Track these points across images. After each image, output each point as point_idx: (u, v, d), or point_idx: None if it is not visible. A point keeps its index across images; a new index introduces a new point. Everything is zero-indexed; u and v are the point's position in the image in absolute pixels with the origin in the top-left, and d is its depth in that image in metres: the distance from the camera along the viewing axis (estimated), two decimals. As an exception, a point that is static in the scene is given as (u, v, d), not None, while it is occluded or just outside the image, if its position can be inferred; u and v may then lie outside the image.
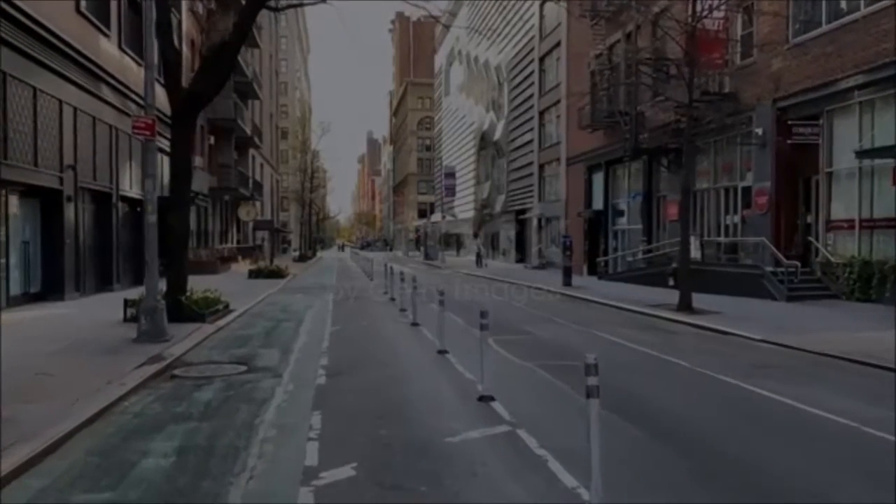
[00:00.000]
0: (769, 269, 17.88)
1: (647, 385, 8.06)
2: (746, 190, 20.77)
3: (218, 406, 6.84)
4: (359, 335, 12.19)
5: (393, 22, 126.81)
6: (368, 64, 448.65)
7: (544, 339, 11.85)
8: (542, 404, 7.19)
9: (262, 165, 55.48)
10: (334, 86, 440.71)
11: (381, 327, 13.38)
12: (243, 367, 8.94)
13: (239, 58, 38.91)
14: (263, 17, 56.57)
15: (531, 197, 43.20)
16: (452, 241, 68.98)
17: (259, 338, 11.80)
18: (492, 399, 6.93)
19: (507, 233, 50.72)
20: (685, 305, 15.79)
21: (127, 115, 22.63)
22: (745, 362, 9.62)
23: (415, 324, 13.37)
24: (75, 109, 18.12)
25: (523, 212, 45.34)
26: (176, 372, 8.67)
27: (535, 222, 42.44)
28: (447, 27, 47.12)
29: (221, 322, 13.37)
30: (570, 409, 6.96)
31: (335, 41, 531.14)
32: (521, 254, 46.37)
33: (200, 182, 33.74)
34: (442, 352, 9.95)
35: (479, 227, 60.18)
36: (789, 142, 17.95)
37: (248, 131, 42.00)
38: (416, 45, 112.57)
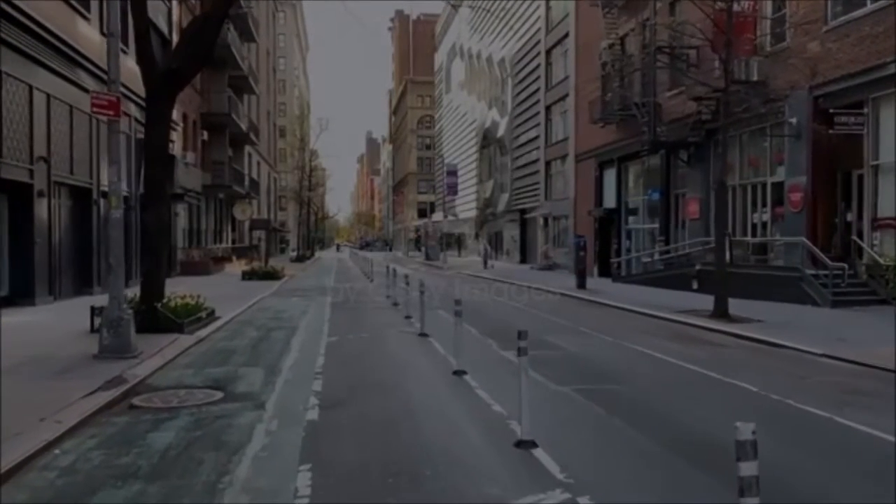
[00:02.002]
0: (810, 271, 16.28)
1: (722, 421, 6.43)
2: (777, 186, 19.19)
3: (177, 455, 5.24)
4: (359, 349, 10.59)
5: (392, 20, 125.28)
6: (367, 65, 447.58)
7: (574, 354, 10.25)
8: (597, 451, 5.60)
9: (258, 163, 53.87)
10: (333, 87, 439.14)
11: (384, 339, 11.76)
12: (219, 394, 7.33)
13: (234, 50, 37.48)
14: (261, 11, 54.98)
15: (537, 195, 41.60)
16: (453, 242, 67.34)
17: (243, 352, 10.18)
18: (533, 445, 5.35)
19: (511, 233, 49.11)
20: (721, 312, 14.23)
21: (109, 105, 21.13)
22: (823, 385, 8.04)
23: (423, 334, 11.79)
24: (48, 96, 16.53)
25: (528, 211, 43.74)
26: (135, 401, 7.08)
27: (540, 221, 40.86)
28: (455, 6, 45.45)
29: (203, 332, 11.77)
30: (638, 459, 5.36)
31: (334, 42, 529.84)
32: (525, 254, 44.79)
33: (193, 179, 32.19)
34: (459, 372, 8.35)
35: (481, 226, 58.61)
36: (831, 132, 16.35)
37: (244, 127, 40.37)
38: (415, 43, 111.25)
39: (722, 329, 12.78)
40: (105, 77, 19.27)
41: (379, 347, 10.79)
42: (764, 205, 19.94)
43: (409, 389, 7.69)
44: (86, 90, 18.73)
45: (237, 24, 39.93)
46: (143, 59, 11.11)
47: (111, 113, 8.83)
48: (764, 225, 20.04)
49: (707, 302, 16.22)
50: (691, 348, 10.83)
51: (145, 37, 10.97)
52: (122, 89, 20.70)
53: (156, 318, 11.26)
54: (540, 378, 8.14)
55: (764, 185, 19.89)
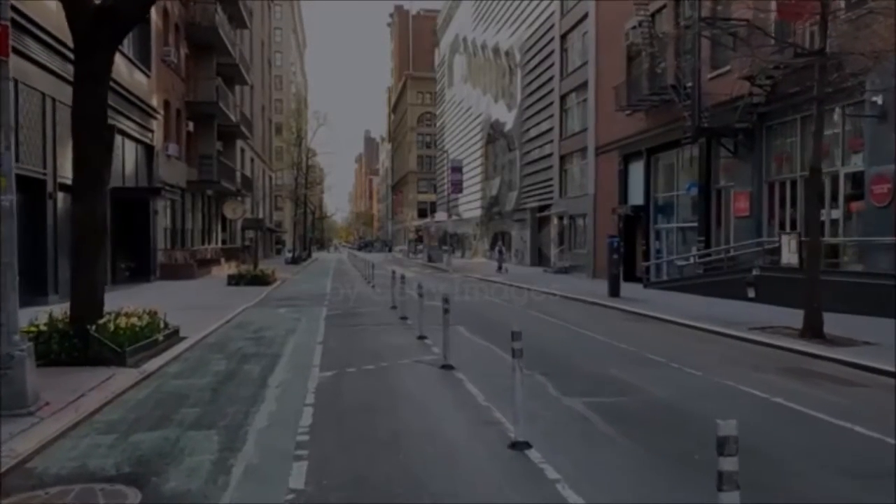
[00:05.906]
0: (915, 279, 13.38)
1: None
2: (852, 177, 16.31)
3: None
4: (363, 395, 7.59)
5: (391, 15, 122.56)
6: (364, 65, 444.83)
7: (663, 401, 7.22)
8: None
9: (252, 160, 50.84)
10: (330, 86, 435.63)
11: (396, 375, 8.73)
12: (132, 498, 4.39)
13: (222, 34, 34.41)
14: (255, 2, 51.91)
15: (550, 192, 38.66)
16: (455, 242, 64.37)
17: (198, 400, 7.17)
18: None
19: (521, 233, 46.11)
20: (815, 331, 11.36)
21: (69, 82, 18.17)
22: None
23: (447, 366, 8.85)
24: (-16, 67, 13.58)
25: (540, 209, 40.80)
26: (-18, 516, 4.16)
27: (554, 221, 37.93)
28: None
29: (152, 364, 8.79)
30: None
31: (331, 42, 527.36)
32: (537, 256, 41.85)
33: (176, 173, 29.29)
34: (519, 445, 5.41)
35: (486, 226, 55.69)
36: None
37: (234, 119, 37.37)
38: (415, 39, 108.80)
39: (831, 356, 9.86)
40: (62, 49, 16.52)
41: (391, 392, 7.77)
42: (834, 199, 17.03)
43: (448, 491, 4.69)
44: (37, 62, 15.93)
45: (227, 7, 37.01)
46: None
47: (-9, 50, 5.92)
48: (833, 222, 17.11)
49: (772, 314, 13.94)
50: (817, 389, 7.90)
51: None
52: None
53: (87, 345, 8.34)
54: (638, 449, 5.24)
55: (835, 177, 16.95)
